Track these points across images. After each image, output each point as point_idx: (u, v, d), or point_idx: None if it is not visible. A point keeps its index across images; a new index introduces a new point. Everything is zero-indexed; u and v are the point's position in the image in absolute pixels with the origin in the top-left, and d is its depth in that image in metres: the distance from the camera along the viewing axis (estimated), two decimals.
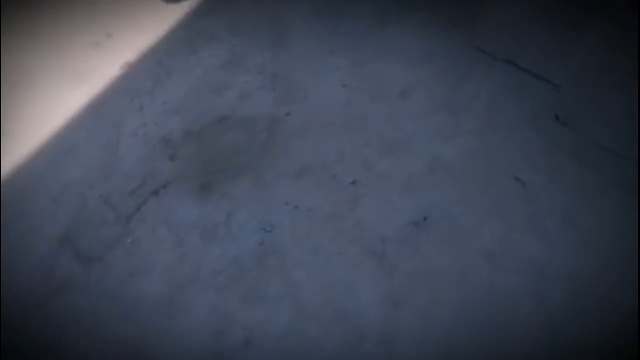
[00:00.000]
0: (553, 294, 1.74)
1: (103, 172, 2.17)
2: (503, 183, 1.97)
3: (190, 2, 2.78)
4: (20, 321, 1.81)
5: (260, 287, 1.81)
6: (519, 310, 1.71)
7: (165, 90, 2.45)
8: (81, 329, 1.78)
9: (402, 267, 1.81)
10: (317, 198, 1.99)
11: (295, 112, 2.28)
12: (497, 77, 2.31)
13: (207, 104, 2.36)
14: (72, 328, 1.78)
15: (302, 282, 1.81)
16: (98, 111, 2.40)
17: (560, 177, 1.97)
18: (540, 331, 1.66)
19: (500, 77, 2.31)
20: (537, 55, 2.25)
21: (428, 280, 1.78)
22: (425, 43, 2.48)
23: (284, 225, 1.94)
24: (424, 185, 1.98)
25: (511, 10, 2.20)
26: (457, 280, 1.77)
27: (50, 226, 2.03)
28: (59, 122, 2.37)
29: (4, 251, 1.95)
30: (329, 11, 2.67)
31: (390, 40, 2.55)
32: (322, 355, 1.66)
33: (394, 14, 2.64)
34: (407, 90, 2.34)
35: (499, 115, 2.18)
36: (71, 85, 2.50)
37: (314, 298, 1.77)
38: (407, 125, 2.17)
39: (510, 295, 1.74)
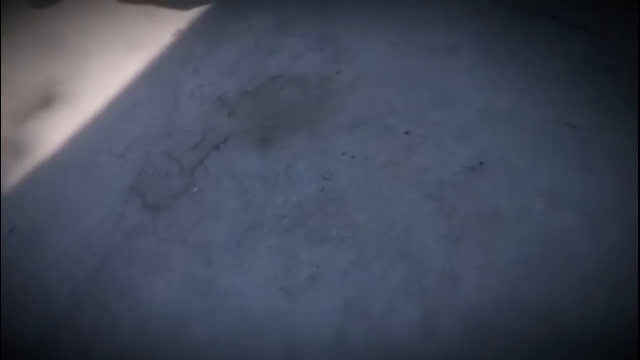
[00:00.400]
0: (610, 231, 1.78)
1: (164, 130, 2.27)
2: (555, 128, 2.01)
3: None
4: (96, 263, 1.91)
5: (323, 229, 1.88)
6: (577, 247, 1.76)
7: (218, 54, 2.54)
8: (153, 269, 1.88)
9: (460, 208, 1.86)
10: (372, 148, 2.06)
11: (346, 70, 2.35)
12: (540, 30, 2.35)
13: (260, 65, 2.44)
14: (144, 268, 1.88)
15: (363, 224, 1.88)
16: (155, 76, 2.50)
17: (611, 121, 2.00)
18: (598, 268, 1.70)
19: (543, 30, 2.35)
20: (578, 7, 2.28)
21: (487, 220, 1.83)
22: (465, 2, 2.52)
23: (342, 173, 2.01)
24: (478, 132, 2.04)
25: None
26: (515, 219, 1.82)
27: (118, 180, 2.14)
28: (118, 87, 2.47)
29: (78, 202, 2.06)
30: None
31: (431, 3, 2.60)
32: (387, 288, 1.73)
33: None
34: (453, 47, 2.38)
35: (546, 66, 2.22)
36: (128, 53, 2.61)
37: (375, 238, 1.84)
38: (456, 79, 2.22)
39: (568, 233, 1.78)
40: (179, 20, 2.74)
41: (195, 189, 2.06)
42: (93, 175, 2.16)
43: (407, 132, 2.08)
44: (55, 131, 2.31)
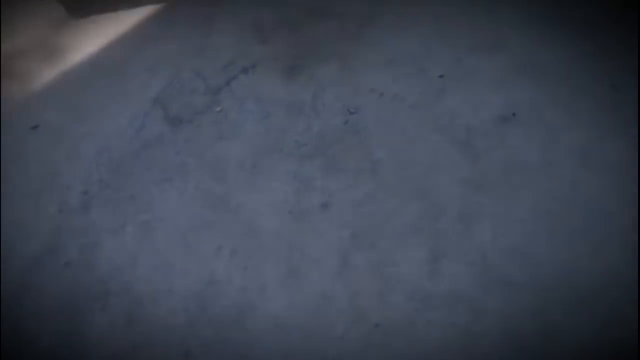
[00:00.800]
0: (637, 197, 1.68)
1: (196, 49, 2.24)
2: (597, 88, 1.90)
3: None
4: (112, 167, 1.92)
5: (342, 160, 1.84)
6: (602, 209, 1.67)
7: None
8: (167, 179, 1.87)
9: (486, 156, 1.79)
10: (403, 87, 1.99)
11: (386, 11, 2.27)
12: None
13: None
14: (158, 177, 1.88)
15: (383, 160, 1.82)
16: None
17: None
18: (620, 232, 1.62)
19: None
20: None
21: (512, 171, 1.76)
22: None
23: (369, 109, 1.96)
24: (515, 83, 1.95)
25: None
26: (542, 174, 1.74)
27: (144, 91, 2.13)
28: (156, 5, 2.45)
29: (102, 108, 2.07)
30: None
31: None
32: (398, 224, 1.68)
33: None
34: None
35: (596, 30, 2.09)
36: None
37: (393, 175, 1.79)
38: (500, 30, 2.13)
39: (594, 194, 1.70)
40: None
41: (219, 108, 2.03)
42: (120, 84, 2.16)
43: (441, 76, 2.00)
44: (89, 38, 2.31)
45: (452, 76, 2.00)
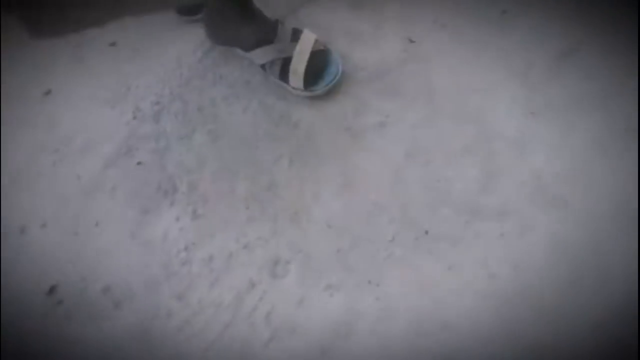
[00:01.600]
0: None
1: None
2: None
3: None
4: (182, 82, 2.05)
5: (399, 85, 1.90)
6: None
7: None
8: (233, 94, 1.98)
9: (544, 87, 1.82)
10: (466, 21, 2.03)
11: None
12: None
13: None
14: (225, 93, 1.98)
15: (441, 86, 1.88)
16: None
17: None
18: None
19: None
20: None
21: (570, 103, 1.79)
22: None
23: (430, 40, 2.00)
24: (579, 21, 1.95)
25: None
26: (599, 109, 1.77)
27: None
28: None
29: (174, 30, 2.19)
30: None
31: None
32: (453, 145, 1.74)
33: None
34: None
35: None
36: None
37: (450, 101, 1.84)
38: None
39: None
40: None
41: None
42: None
43: (504, 12, 2.02)
44: None
45: (515, 12, 2.01)
